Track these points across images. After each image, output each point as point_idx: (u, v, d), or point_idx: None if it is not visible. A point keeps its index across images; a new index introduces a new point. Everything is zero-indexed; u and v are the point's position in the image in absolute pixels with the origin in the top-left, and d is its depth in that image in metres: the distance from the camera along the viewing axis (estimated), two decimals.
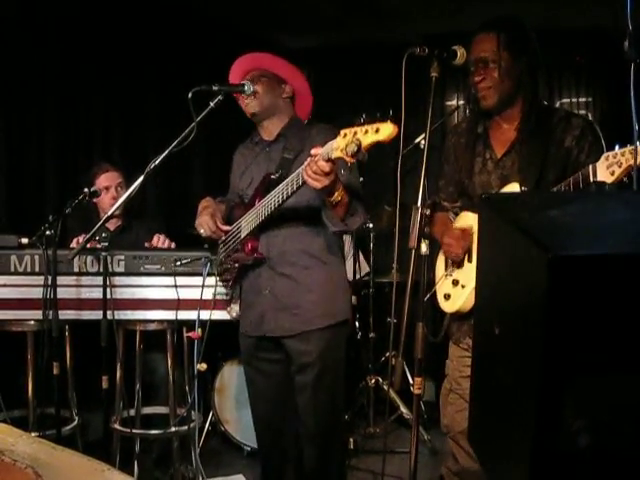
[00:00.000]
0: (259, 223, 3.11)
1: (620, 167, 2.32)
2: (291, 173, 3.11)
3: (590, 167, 2.42)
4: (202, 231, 3.31)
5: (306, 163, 2.71)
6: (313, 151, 2.68)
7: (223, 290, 3.55)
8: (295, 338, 3.20)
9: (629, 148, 2.29)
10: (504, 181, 2.84)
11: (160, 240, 4.22)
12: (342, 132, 2.55)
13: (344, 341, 3.34)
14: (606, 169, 2.36)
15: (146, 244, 4.26)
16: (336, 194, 2.83)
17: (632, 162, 2.27)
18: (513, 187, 2.76)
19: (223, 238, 3.37)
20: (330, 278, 3.26)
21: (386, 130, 2.44)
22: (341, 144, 2.53)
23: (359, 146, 2.47)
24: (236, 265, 3.32)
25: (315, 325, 3.18)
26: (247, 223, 3.20)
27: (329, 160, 2.61)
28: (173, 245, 4.24)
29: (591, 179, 2.40)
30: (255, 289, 3.30)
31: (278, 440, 3.44)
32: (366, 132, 2.47)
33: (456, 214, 3.10)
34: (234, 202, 3.45)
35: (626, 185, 2.35)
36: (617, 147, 2.35)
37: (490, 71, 2.80)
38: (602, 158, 2.39)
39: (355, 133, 2.50)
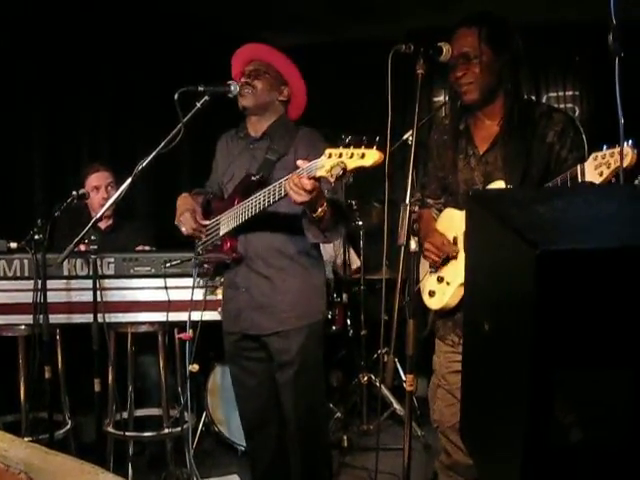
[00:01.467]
0: (238, 224, 3.11)
1: (609, 168, 2.32)
2: (272, 176, 3.14)
3: (578, 167, 2.42)
4: (183, 229, 3.30)
5: (289, 176, 2.72)
6: (298, 162, 2.69)
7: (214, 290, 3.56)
8: (274, 336, 3.22)
9: (617, 149, 2.29)
10: (488, 177, 2.84)
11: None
12: (327, 152, 2.57)
13: (321, 340, 3.34)
14: (594, 169, 2.35)
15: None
16: (319, 210, 2.84)
17: (620, 163, 2.27)
18: (498, 184, 2.77)
19: (204, 234, 3.37)
20: (306, 280, 3.27)
21: (372, 157, 2.48)
22: (326, 164, 2.55)
23: (344, 170, 2.49)
24: (212, 260, 3.33)
25: (290, 325, 3.20)
26: (226, 222, 3.19)
27: (312, 178, 2.62)
28: None
29: (579, 179, 2.40)
30: (233, 285, 3.31)
31: (266, 436, 3.44)
32: (352, 156, 2.50)
33: (440, 210, 3.11)
34: (213, 193, 3.44)
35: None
36: (605, 147, 2.34)
37: (471, 66, 2.79)
38: (590, 158, 2.38)
39: (340, 155, 2.52)
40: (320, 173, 2.57)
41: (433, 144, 3.12)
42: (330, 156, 2.55)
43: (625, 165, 2.26)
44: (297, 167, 2.74)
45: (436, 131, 3.14)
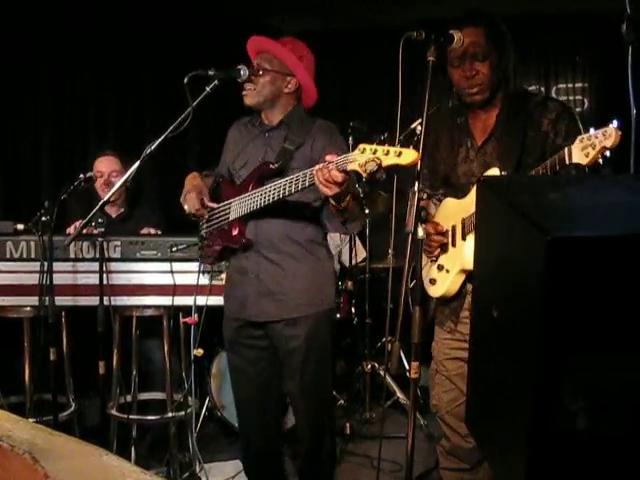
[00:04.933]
0: (252, 210, 3.08)
1: (594, 149, 2.31)
2: (291, 165, 3.12)
3: (566, 149, 2.41)
4: (186, 207, 3.27)
5: (318, 167, 2.68)
6: (328, 157, 2.65)
7: (219, 275, 3.55)
8: (281, 323, 3.20)
9: (602, 130, 2.29)
10: (486, 168, 2.85)
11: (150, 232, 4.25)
12: (360, 147, 2.53)
13: (330, 328, 3.32)
14: (581, 151, 2.35)
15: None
16: (343, 203, 2.82)
17: (605, 143, 2.26)
18: (493, 172, 2.77)
19: (206, 215, 3.35)
20: (316, 268, 3.26)
21: (409, 156, 2.42)
22: (359, 159, 2.51)
23: (379, 166, 2.45)
24: (218, 244, 3.31)
25: (299, 313, 3.18)
26: (238, 207, 3.16)
27: (344, 171, 2.60)
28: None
29: (567, 161, 2.40)
30: (241, 271, 3.28)
31: (260, 423, 3.43)
32: (387, 153, 2.45)
33: (439, 201, 3.11)
34: (222, 177, 3.43)
35: (601, 168, 2.34)
36: (592, 130, 2.34)
37: (481, 67, 2.79)
38: (577, 141, 2.37)
39: (375, 151, 2.47)
40: (352, 167, 2.54)
41: (432, 137, 3.11)
42: (363, 151, 2.50)
43: (609, 145, 2.27)
44: (315, 161, 2.72)
45: (434, 125, 3.14)
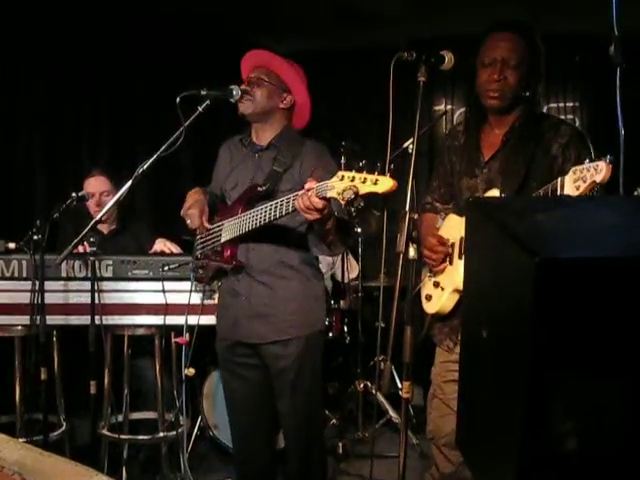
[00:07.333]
0: (241, 234, 3.10)
1: (585, 182, 2.30)
2: (278, 188, 3.13)
3: (559, 180, 2.41)
4: (188, 222, 3.29)
5: (300, 193, 2.70)
6: (307, 185, 2.67)
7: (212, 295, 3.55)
8: (272, 344, 3.20)
9: (594, 164, 2.28)
10: (489, 185, 2.83)
11: (167, 245, 4.21)
12: (339, 174, 2.55)
13: (320, 350, 3.32)
14: (573, 183, 2.33)
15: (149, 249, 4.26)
16: (326, 227, 2.84)
17: (596, 178, 2.25)
18: (493, 193, 2.76)
19: (202, 235, 3.37)
20: (307, 289, 3.26)
21: (385, 184, 2.45)
22: (337, 186, 2.53)
23: (356, 194, 2.48)
24: (212, 265, 3.32)
25: (290, 335, 3.18)
26: (228, 229, 3.18)
27: (323, 198, 2.62)
28: (175, 249, 4.24)
29: (558, 192, 2.39)
30: (232, 293, 3.29)
31: (254, 444, 3.43)
32: (364, 181, 2.47)
33: (448, 214, 3.10)
34: (216, 197, 3.44)
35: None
36: (587, 161, 2.34)
37: (510, 73, 2.76)
38: (570, 172, 2.37)
39: (353, 179, 2.50)
40: (331, 194, 2.56)
41: (445, 148, 3.11)
42: (342, 178, 2.53)
43: (599, 180, 2.25)
44: (303, 183, 2.74)
45: (450, 136, 3.13)
